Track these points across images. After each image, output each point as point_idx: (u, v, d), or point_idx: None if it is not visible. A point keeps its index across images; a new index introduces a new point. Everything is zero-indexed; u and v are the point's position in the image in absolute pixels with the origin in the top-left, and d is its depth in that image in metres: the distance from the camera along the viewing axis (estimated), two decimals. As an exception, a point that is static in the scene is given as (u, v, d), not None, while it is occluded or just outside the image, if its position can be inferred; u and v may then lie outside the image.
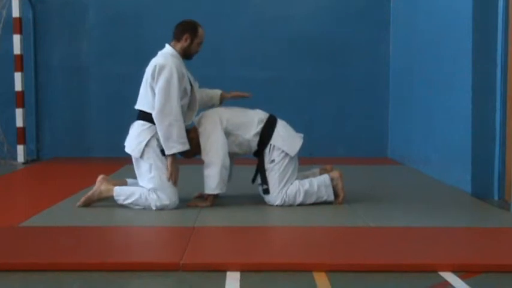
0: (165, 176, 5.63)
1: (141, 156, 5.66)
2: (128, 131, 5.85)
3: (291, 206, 5.82)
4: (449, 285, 3.74)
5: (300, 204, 5.84)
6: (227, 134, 5.81)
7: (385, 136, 9.81)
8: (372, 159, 9.41)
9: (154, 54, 9.52)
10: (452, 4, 7.00)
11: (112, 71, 9.73)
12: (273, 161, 5.83)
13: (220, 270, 3.95)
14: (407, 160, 8.78)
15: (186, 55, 5.91)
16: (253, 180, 6.04)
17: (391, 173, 8.28)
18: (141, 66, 9.59)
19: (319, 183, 5.91)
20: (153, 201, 5.62)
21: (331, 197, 5.93)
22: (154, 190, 5.63)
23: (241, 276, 3.86)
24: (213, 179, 5.72)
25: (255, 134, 5.86)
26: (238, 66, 9.59)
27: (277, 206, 5.83)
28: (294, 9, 9.80)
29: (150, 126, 5.67)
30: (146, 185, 5.69)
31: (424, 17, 8.11)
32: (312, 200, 5.90)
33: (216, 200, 5.91)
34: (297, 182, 5.88)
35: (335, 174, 5.98)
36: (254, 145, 5.88)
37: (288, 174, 5.85)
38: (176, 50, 5.87)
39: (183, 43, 5.88)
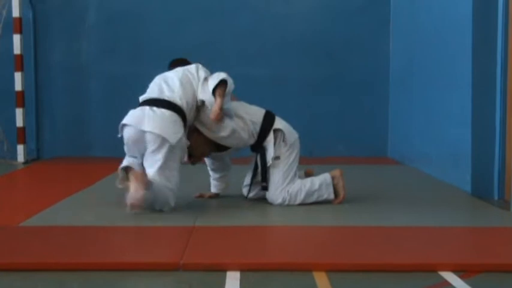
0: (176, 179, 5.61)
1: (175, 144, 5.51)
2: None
3: (291, 205, 5.82)
4: (449, 285, 3.74)
5: (301, 204, 5.84)
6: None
7: (384, 135, 9.81)
8: (372, 158, 9.40)
9: (153, 53, 9.65)
10: (452, 2, 6.99)
11: (112, 70, 9.74)
12: (277, 157, 5.84)
13: (220, 269, 3.95)
14: (407, 159, 8.77)
15: None
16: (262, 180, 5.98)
17: (391, 172, 8.28)
18: (140, 65, 9.71)
19: (320, 182, 5.91)
20: (171, 198, 5.55)
21: (332, 196, 5.93)
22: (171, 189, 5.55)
23: (241, 276, 3.86)
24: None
25: (252, 121, 5.87)
26: (238, 64, 9.57)
27: (278, 204, 5.83)
28: (294, 7, 9.81)
29: (181, 121, 5.62)
30: (152, 171, 5.48)
31: (424, 14, 8.11)
32: (313, 199, 5.90)
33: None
34: (299, 181, 5.88)
35: (336, 172, 5.98)
36: (255, 128, 5.87)
37: (291, 173, 5.86)
38: None
39: None
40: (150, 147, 5.49)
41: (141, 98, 5.77)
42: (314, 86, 9.79)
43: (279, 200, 5.84)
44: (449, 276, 3.85)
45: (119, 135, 5.65)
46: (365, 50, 9.80)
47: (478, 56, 6.37)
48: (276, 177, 5.84)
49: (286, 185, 5.84)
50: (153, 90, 5.77)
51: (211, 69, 6.01)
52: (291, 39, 9.75)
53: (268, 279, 3.85)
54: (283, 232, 5.04)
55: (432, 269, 3.96)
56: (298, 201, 5.86)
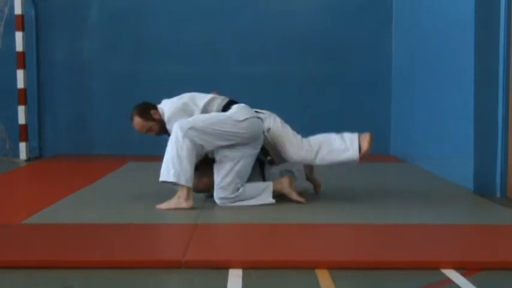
0: None
1: None
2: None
3: (314, 152, 5.73)
4: (451, 282, 3.74)
5: (321, 149, 5.73)
6: None
7: (387, 133, 9.79)
8: (374, 156, 9.32)
9: (156, 51, 9.64)
10: (454, 0, 6.99)
11: (114, 68, 9.74)
12: (269, 129, 5.80)
13: (223, 267, 3.94)
14: (410, 157, 8.77)
15: None
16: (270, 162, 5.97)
17: (394, 170, 8.28)
18: (142, 63, 9.71)
19: (343, 133, 5.84)
20: None
21: (356, 151, 5.74)
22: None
23: (243, 274, 3.86)
24: None
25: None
26: (239, 64, 9.58)
27: (302, 157, 5.76)
28: (295, 6, 9.79)
29: None
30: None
31: (426, 13, 8.10)
32: (336, 146, 5.73)
33: None
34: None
35: (365, 134, 5.89)
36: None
37: (289, 131, 5.83)
38: None
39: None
40: (258, 145, 5.67)
41: (202, 101, 5.78)
42: (316, 85, 9.78)
43: (303, 152, 5.74)
44: (452, 274, 3.85)
45: (241, 120, 5.57)
46: (367, 48, 9.78)
47: (480, 53, 6.36)
48: (284, 138, 5.77)
49: (300, 138, 5.78)
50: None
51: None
52: (291, 39, 9.73)
53: (271, 276, 3.85)
54: (286, 230, 5.03)
55: (434, 267, 3.96)
56: (317, 145, 5.72)
